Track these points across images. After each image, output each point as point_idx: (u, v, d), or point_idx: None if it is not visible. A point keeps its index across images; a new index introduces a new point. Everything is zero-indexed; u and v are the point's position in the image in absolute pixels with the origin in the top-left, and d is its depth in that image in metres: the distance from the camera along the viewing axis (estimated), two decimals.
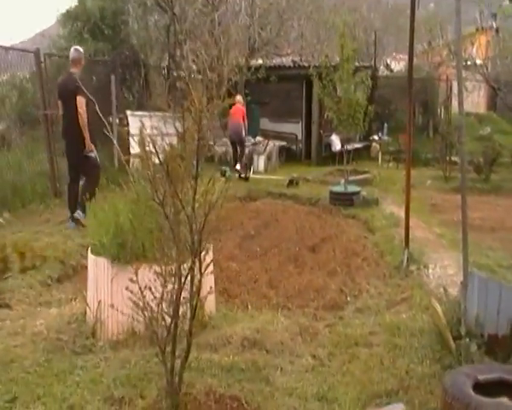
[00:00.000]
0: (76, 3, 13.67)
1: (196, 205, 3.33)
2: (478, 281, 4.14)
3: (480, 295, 4.11)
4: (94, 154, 7.93)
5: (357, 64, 13.27)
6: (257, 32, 14.83)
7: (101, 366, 4.02)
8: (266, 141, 14.16)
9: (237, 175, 12.41)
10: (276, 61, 16.90)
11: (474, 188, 13.16)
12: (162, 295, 3.24)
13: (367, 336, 4.86)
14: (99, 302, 4.59)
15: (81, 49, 8.19)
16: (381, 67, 22.66)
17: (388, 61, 22.10)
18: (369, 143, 17.29)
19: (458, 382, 2.55)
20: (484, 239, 8.78)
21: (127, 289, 3.28)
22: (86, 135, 7.69)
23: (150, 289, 3.26)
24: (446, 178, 13.82)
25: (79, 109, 7.60)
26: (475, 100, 23.13)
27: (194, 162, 3.29)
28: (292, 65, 16.37)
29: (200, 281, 3.27)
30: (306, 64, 14.98)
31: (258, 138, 13.91)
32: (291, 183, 11.72)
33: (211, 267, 5.24)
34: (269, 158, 14.22)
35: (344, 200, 10.05)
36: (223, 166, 12.91)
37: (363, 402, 3.85)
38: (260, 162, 13.80)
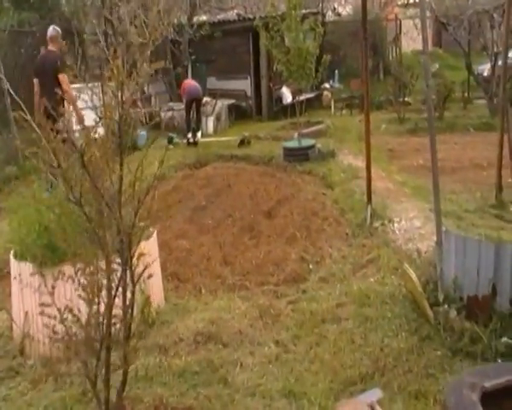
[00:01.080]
0: None
1: (124, 199, 2.73)
2: (455, 240, 3.67)
3: (458, 256, 3.65)
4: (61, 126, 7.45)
5: (304, 11, 12.58)
6: None
7: (29, 393, 3.42)
8: (214, 101, 13.37)
9: (185, 141, 11.66)
10: (220, 16, 16.01)
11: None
12: (89, 317, 2.64)
13: (334, 310, 4.40)
14: (26, 314, 3.96)
15: (58, 28, 8.01)
16: (329, 13, 21.92)
17: (335, 6, 21.33)
18: (321, 92, 16.70)
19: (464, 399, 2.04)
20: (445, 182, 8.37)
21: (42, 312, 2.68)
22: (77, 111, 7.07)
23: (71, 311, 2.66)
24: (401, 120, 13.39)
25: (65, 86, 6.97)
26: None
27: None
28: (236, 18, 15.50)
29: (133, 292, 2.68)
30: (252, 16, 14.16)
31: (206, 99, 13.12)
32: (242, 143, 11.08)
33: (156, 253, 4.68)
34: (218, 119, 13.48)
35: (298, 155, 9.50)
36: (170, 132, 12.16)
37: (335, 393, 3.38)
38: (209, 124, 13.04)
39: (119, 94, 2.47)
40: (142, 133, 11.44)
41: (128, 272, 2.62)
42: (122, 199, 2.60)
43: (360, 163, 9.09)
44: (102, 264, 2.66)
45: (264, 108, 15.23)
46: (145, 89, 13.72)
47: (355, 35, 20.58)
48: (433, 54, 22.41)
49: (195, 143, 11.58)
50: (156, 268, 4.54)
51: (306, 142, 9.77)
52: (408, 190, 7.36)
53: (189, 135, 11.61)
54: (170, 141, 11.36)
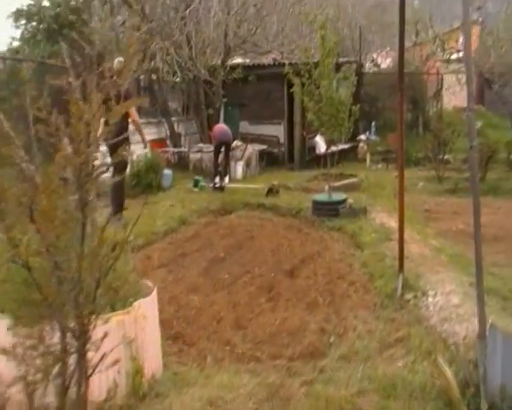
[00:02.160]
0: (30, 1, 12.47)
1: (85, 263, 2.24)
2: (502, 339, 3.05)
3: (506, 358, 3.02)
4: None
5: (341, 60, 12.23)
6: (233, 28, 13.69)
7: None
8: (245, 145, 13.00)
9: (211, 185, 11.24)
10: (255, 59, 15.80)
11: (469, 189, 12.14)
12: None
13: (354, 399, 3.77)
14: None
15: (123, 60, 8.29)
16: (368, 64, 21.65)
17: (375, 57, 21.04)
18: (356, 144, 16.23)
19: None
20: (487, 252, 7.66)
21: None
22: (144, 139, 8.84)
23: None
24: (440, 179, 12.77)
25: (135, 118, 8.44)
26: (464, 95, 22.17)
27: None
28: (272, 63, 15.27)
29: (86, 386, 2.15)
30: (287, 62, 13.89)
31: (236, 143, 12.77)
32: (270, 191, 10.61)
33: (155, 313, 4.17)
34: (248, 164, 13.08)
35: (328, 210, 8.95)
36: (197, 175, 11.80)
37: None
38: (238, 169, 12.65)
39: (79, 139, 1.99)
40: (168, 173, 11.12)
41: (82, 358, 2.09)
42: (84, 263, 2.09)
43: (393, 223, 8.49)
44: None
45: (297, 156, 14.82)
46: (175, 127, 13.50)
47: (394, 87, 20.13)
48: (476, 111, 21.82)
49: (222, 189, 11.16)
50: (155, 331, 4.03)
51: (337, 196, 9.23)
52: (445, 258, 6.71)
53: (216, 179, 11.21)
54: (195, 184, 10.99)
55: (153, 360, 3.91)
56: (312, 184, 11.57)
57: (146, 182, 10.50)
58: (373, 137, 16.56)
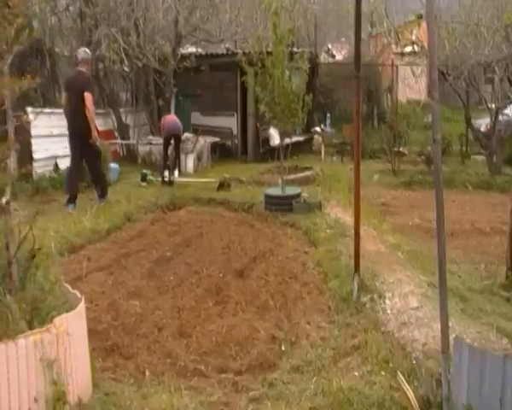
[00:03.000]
0: None
1: None
2: (468, 354, 2.72)
3: (472, 375, 2.69)
4: (98, 142, 8.82)
5: (296, 50, 11.86)
6: (184, 15, 13.11)
7: None
8: (196, 137, 12.48)
9: (160, 179, 10.70)
10: (208, 48, 15.27)
11: (425, 182, 12.03)
12: None
13: None
14: None
15: (89, 51, 9.33)
16: (323, 55, 21.38)
17: (330, 47, 20.79)
18: (311, 136, 15.93)
19: None
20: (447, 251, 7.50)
21: None
22: (93, 126, 8.62)
23: None
24: (395, 172, 12.62)
25: (88, 104, 8.44)
26: (417, 87, 22.23)
27: None
28: (225, 52, 14.76)
29: None
30: (240, 51, 13.43)
31: (187, 135, 12.23)
32: (222, 186, 10.17)
33: (83, 328, 3.69)
34: (199, 157, 12.57)
35: (282, 204, 8.59)
36: (146, 168, 11.24)
37: None
38: (189, 162, 12.12)
39: None
40: (114, 167, 10.54)
41: None
42: None
43: (349, 218, 8.19)
44: None
45: (250, 148, 14.41)
46: (123, 118, 12.87)
47: (349, 79, 19.95)
48: (429, 105, 21.89)
49: (171, 183, 10.64)
50: (82, 348, 3.55)
51: (291, 190, 8.88)
52: (402, 255, 6.45)
53: (166, 173, 10.68)
54: (143, 178, 10.45)
55: (80, 382, 3.43)
56: (266, 178, 11.19)
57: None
58: (328, 129, 16.30)
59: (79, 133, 8.62)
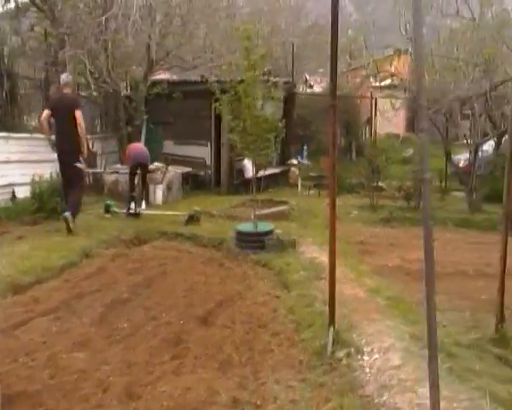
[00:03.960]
0: None
1: None
2: None
3: None
4: (83, 165, 8.75)
5: (273, 79, 11.46)
6: (156, 40, 12.63)
7: None
8: (165, 167, 11.90)
9: (125, 211, 10.04)
10: (181, 75, 14.78)
11: (405, 218, 11.61)
12: None
13: None
14: None
15: (71, 76, 9.44)
16: (302, 86, 21.08)
17: (308, 77, 20.50)
18: (288, 168, 15.47)
19: None
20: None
21: None
22: (85, 143, 8.70)
23: None
24: (374, 208, 12.17)
25: (80, 121, 8.43)
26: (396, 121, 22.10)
27: None
28: (198, 79, 14.28)
29: None
30: (215, 78, 12.97)
31: (156, 164, 11.65)
32: (191, 219, 9.56)
33: None
34: (169, 188, 11.96)
35: (253, 242, 8.02)
36: (112, 198, 10.60)
37: None
38: (158, 193, 11.51)
39: None
40: None
41: None
42: None
43: (325, 258, 7.58)
44: None
45: (224, 179, 13.86)
46: (90, 145, 12.25)
47: (327, 111, 19.59)
48: (407, 139, 21.69)
49: (137, 215, 10.00)
50: None
51: (264, 226, 8.32)
52: (382, 301, 5.90)
53: (132, 205, 10.03)
54: (107, 209, 9.80)
55: None
56: (239, 211, 10.63)
57: (50, 207, 9.18)
58: (305, 161, 15.85)
59: (68, 154, 8.52)
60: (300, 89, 19.76)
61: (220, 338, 5.07)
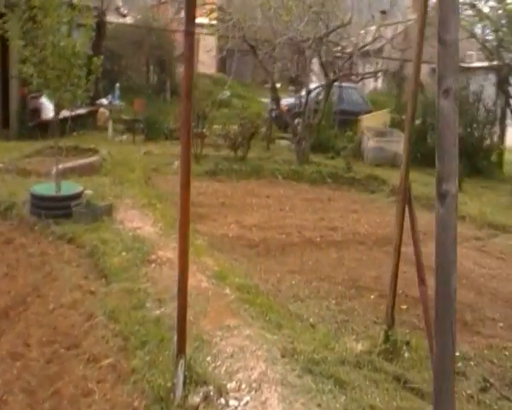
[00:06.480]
0: None
1: None
2: None
3: None
4: None
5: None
6: None
7: None
8: None
9: None
10: None
11: (232, 170, 10.46)
12: None
13: None
14: None
15: None
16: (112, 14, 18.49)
17: (120, 4, 18.04)
18: (96, 109, 13.24)
19: None
20: (275, 269, 5.80)
21: None
22: None
23: None
24: (198, 158, 10.71)
25: None
26: (207, 61, 20.81)
27: None
28: None
29: None
30: None
31: None
32: None
33: None
34: None
35: (56, 209, 6.12)
36: None
37: None
38: None
39: None
40: None
41: None
42: None
43: (151, 228, 6.12)
44: None
45: (14, 121, 11.25)
46: None
47: (140, 44, 17.66)
48: (221, 80, 20.51)
49: None
50: None
51: (69, 187, 6.42)
52: (232, 294, 4.57)
53: None
54: None
55: None
56: (34, 163, 8.46)
57: None
58: (117, 102, 13.71)
59: None
60: (111, 18, 17.24)
61: (3, 383, 3.30)
